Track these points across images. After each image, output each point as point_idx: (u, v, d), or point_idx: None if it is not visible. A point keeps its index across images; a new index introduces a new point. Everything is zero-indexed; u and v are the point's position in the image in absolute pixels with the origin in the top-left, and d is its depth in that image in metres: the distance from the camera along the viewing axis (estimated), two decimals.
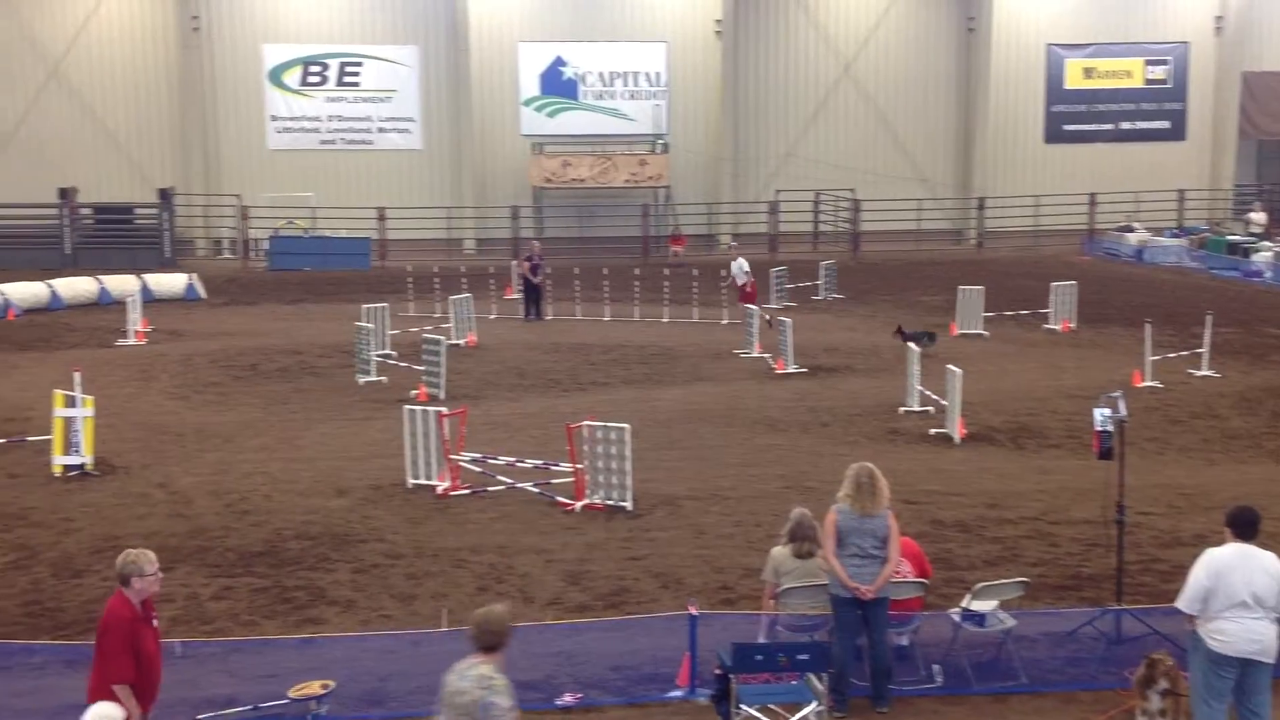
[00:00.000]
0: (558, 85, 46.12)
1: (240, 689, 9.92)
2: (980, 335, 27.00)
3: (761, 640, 10.20)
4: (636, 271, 31.96)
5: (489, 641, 7.06)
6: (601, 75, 46.33)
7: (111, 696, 7.68)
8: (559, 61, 45.99)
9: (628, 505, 14.59)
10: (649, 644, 10.78)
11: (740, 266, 29.29)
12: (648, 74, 46.46)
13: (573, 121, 46.20)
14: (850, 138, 47.53)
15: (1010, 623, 10.45)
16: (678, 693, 9.98)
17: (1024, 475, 16.16)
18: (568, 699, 9.87)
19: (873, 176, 46.29)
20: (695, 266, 33.50)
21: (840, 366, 23.74)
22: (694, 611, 10.02)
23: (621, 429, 14.61)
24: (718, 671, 9.43)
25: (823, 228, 47.16)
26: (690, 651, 9.96)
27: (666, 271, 33.15)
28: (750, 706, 9.17)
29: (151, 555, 8.19)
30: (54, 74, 44.04)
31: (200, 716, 9.47)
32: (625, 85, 46.44)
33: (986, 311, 27.72)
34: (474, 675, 7.00)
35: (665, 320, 29.41)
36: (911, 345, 20.81)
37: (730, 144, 46.61)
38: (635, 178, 45.13)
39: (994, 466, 16.63)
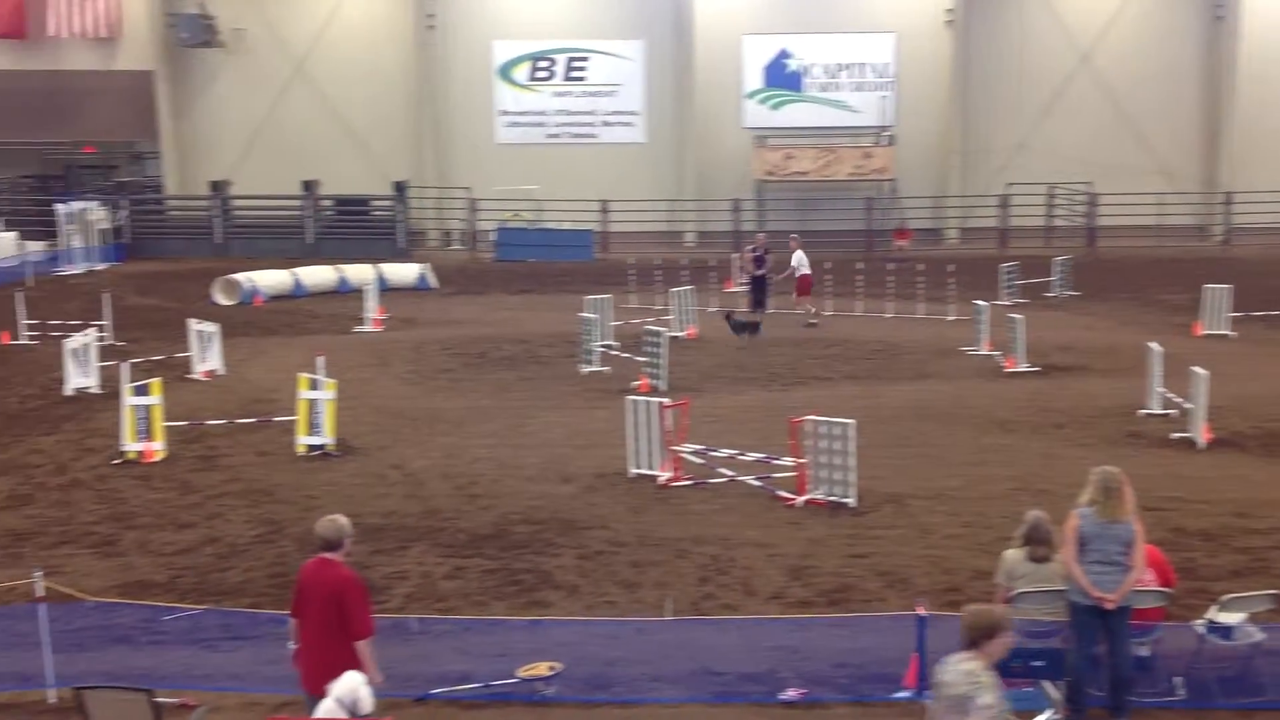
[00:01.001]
0: (781, 77, 45.89)
1: (472, 666, 10.15)
2: (1226, 336, 25.67)
3: None
4: (859, 266, 31.51)
5: (976, 637, 7.08)
6: (826, 67, 45.89)
7: (353, 656, 7.92)
8: (783, 54, 45.74)
9: (851, 502, 14.37)
10: (874, 643, 10.59)
11: (800, 259, 28.89)
12: (874, 65, 45.80)
13: (796, 114, 45.92)
14: (1086, 129, 45.82)
15: (1259, 636, 9.88)
16: (905, 693, 9.77)
17: (1274, 484, 15.25)
18: (791, 694, 9.77)
19: (1110, 169, 44.50)
20: (921, 261, 32.84)
21: (1075, 366, 22.89)
22: (922, 612, 9.79)
23: (846, 424, 14.40)
24: None
25: (1056, 222, 45.61)
26: (919, 652, 9.73)
27: (891, 266, 32.60)
28: None
29: (348, 522, 8.39)
30: (298, 72, 46.11)
31: (434, 690, 9.74)
32: (851, 77, 45.90)
33: (1234, 311, 26.32)
34: (962, 670, 7.03)
35: (889, 315, 28.93)
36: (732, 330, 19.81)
37: (959, 136, 45.57)
38: (859, 170, 44.55)
39: (1242, 474, 15.75)
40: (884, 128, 45.27)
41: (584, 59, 46.23)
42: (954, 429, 18.09)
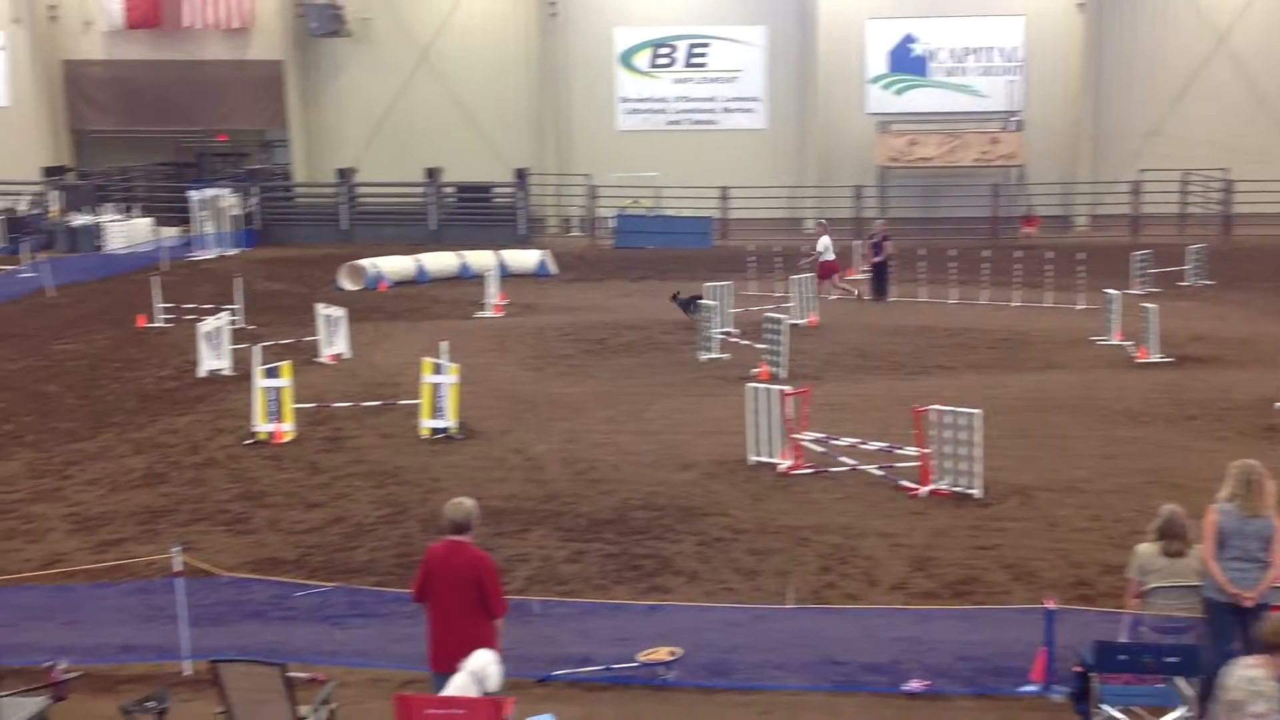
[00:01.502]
0: (906, 62, 45.24)
1: (593, 649, 10.22)
2: None
3: (1124, 640, 9.66)
4: (985, 253, 30.96)
5: (1274, 644, 6.99)
6: (953, 51, 45.12)
7: (485, 634, 8.08)
8: (908, 38, 45.09)
9: (976, 493, 14.14)
10: (1000, 636, 10.42)
11: (825, 244, 29.49)
12: (1002, 49, 44.91)
13: (921, 99, 45.24)
14: (1222, 113, 44.32)
15: None
16: (1032, 687, 9.59)
17: None
18: (915, 685, 9.66)
19: (1247, 155, 43.02)
20: (1049, 249, 32.14)
21: (1210, 357, 22.20)
22: (1051, 606, 9.59)
23: (971, 414, 14.18)
24: (1077, 669, 9.00)
25: (1191, 209, 44.30)
26: (1047, 646, 9.54)
27: (1018, 253, 31.94)
28: (1112, 707, 8.72)
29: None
30: (423, 60, 46.72)
31: (556, 672, 9.82)
32: (978, 61, 45.08)
33: None
34: (1245, 676, 6.97)
35: (1015, 304, 28.37)
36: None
37: (1089, 121, 44.48)
38: (986, 156, 43.74)
39: None
40: (1012, 113, 44.37)
41: (705, 45, 46.10)
42: (1083, 420, 17.68)
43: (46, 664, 9.07)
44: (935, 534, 13.10)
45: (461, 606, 8.16)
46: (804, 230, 43.86)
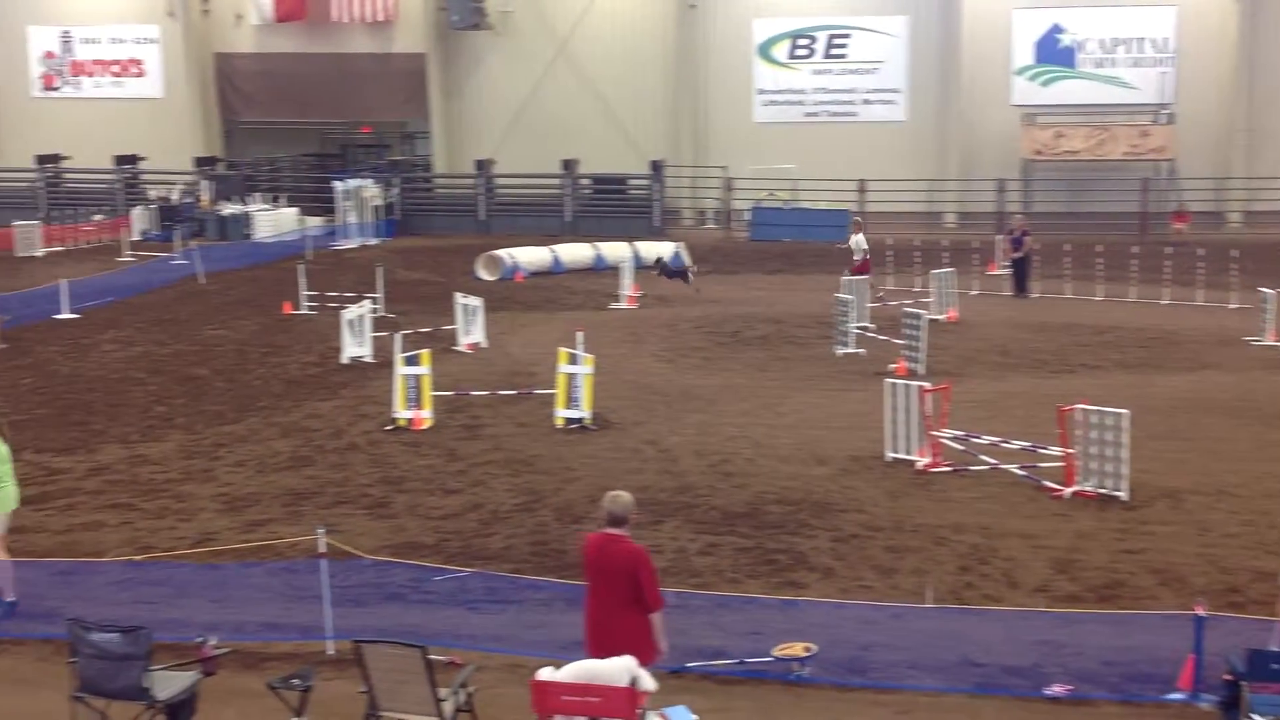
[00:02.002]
0: (1053, 53, 44.17)
1: (727, 642, 10.18)
2: None
3: (1276, 648, 9.31)
4: (1134, 249, 30.09)
5: None
6: (1102, 42, 43.92)
7: (639, 626, 8.15)
8: (1056, 29, 44.01)
9: (1122, 495, 13.75)
10: (1146, 641, 10.13)
11: (859, 242, 28.86)
12: (1153, 40, 43.58)
13: (1068, 90, 44.12)
14: None
15: None
16: (1179, 695, 9.28)
17: None
18: (1057, 689, 9.42)
19: None
20: (1200, 245, 31.12)
21: None
22: (1201, 612, 9.27)
23: (1119, 415, 13.78)
24: (1227, 678, 8.70)
25: None
26: (1196, 654, 9.23)
27: (1168, 250, 30.97)
28: (1263, 717, 8.40)
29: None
30: (561, 53, 47.08)
31: (690, 664, 9.80)
32: (1128, 52, 43.81)
33: None
34: None
35: (1164, 302, 27.56)
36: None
37: (1244, 114, 42.94)
38: (1135, 150, 42.53)
39: None
40: (1163, 105, 43.03)
41: (845, 36, 45.60)
42: (1236, 423, 17.08)
43: (197, 640, 9.32)
44: (1079, 536, 12.77)
45: (615, 599, 8.19)
46: (943, 224, 43.19)
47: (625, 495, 8.40)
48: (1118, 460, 13.80)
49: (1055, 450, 14.56)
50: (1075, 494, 13.93)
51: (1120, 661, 9.85)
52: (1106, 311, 26.66)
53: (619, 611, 8.18)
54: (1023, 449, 15.16)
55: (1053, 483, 14.26)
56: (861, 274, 27.98)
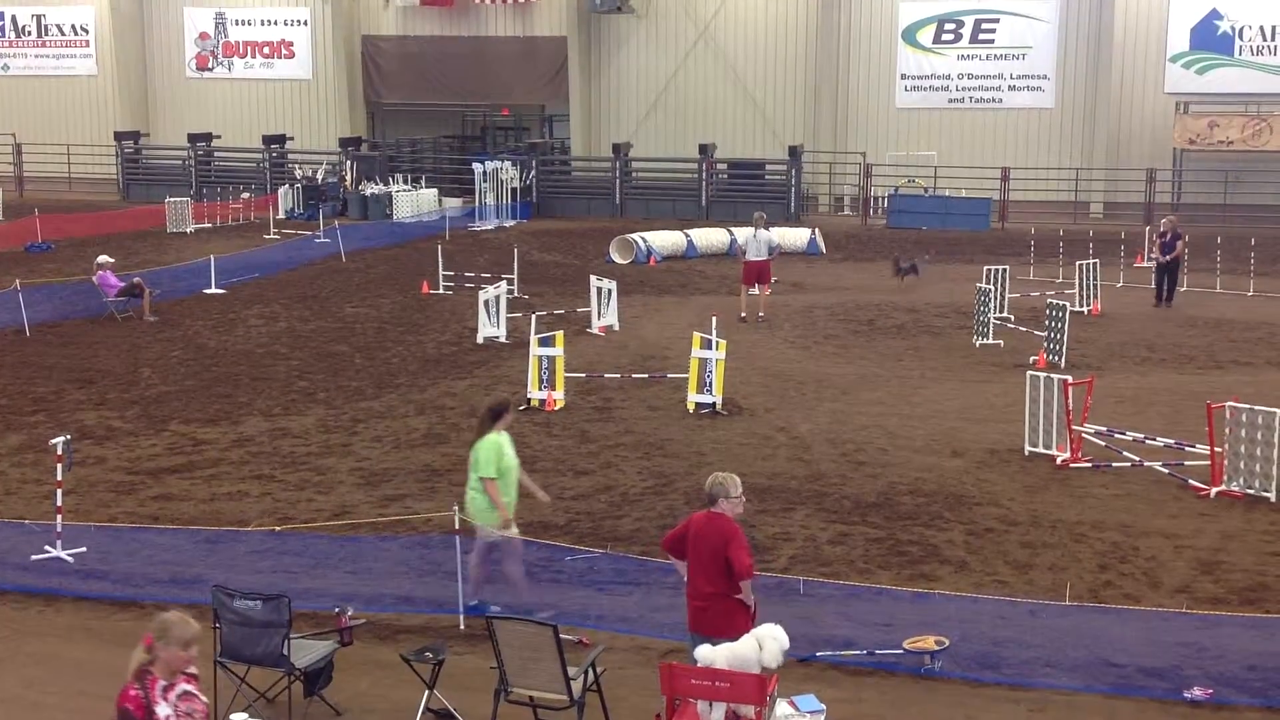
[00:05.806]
0: (1211, 40, 42.62)
1: (857, 633, 10.10)
2: None
3: None
4: None
5: None
6: (1262, 29, 42.26)
7: (734, 599, 8.34)
8: (1214, 14, 42.45)
9: (1271, 496, 13.29)
10: None
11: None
12: None
13: (1225, 79, 42.52)
14: None
15: None
16: None
17: None
18: (1197, 693, 9.14)
19: None
20: None
21: None
22: None
23: (1273, 413, 13.30)
24: None
25: None
26: None
27: None
28: None
29: (737, 479, 8.54)
30: (703, 35, 46.93)
31: (820, 653, 9.74)
32: None
33: None
34: None
35: None
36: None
37: None
38: None
39: None
40: None
41: (994, 20, 44.60)
42: None
43: (336, 610, 9.55)
44: (1224, 537, 12.38)
45: (710, 574, 8.41)
46: (1089, 215, 42.09)
47: (719, 474, 8.60)
48: (1269, 460, 13.33)
49: (1201, 448, 14.11)
50: (1221, 494, 13.50)
51: (1264, 666, 9.56)
52: (1258, 307, 25.72)
53: (711, 586, 8.40)
54: (1166, 446, 14.73)
55: (1198, 481, 13.84)
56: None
